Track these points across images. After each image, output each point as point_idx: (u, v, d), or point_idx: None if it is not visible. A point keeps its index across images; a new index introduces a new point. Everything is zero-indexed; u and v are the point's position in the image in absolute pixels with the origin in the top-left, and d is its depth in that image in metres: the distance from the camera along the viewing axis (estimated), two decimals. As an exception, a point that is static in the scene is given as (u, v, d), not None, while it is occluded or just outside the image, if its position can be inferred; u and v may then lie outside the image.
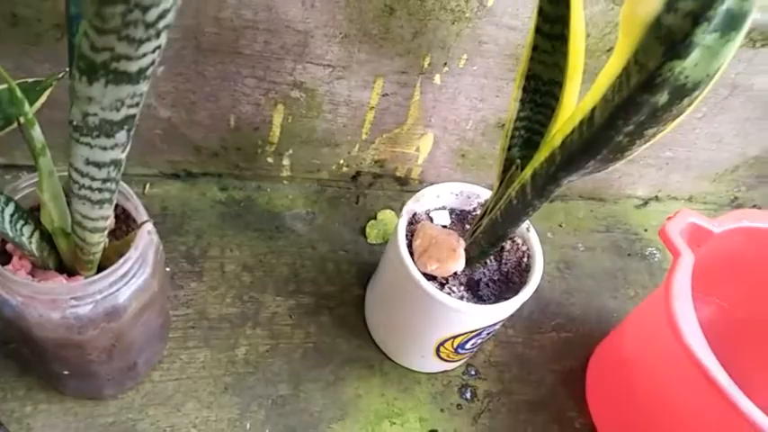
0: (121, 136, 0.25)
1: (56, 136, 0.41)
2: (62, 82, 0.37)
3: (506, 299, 0.42)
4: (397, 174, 0.60)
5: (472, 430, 0.48)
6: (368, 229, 0.57)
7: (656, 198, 0.68)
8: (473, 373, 0.51)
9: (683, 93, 0.24)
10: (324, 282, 0.53)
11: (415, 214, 0.46)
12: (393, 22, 0.45)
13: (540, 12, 0.34)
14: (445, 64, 0.49)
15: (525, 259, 0.45)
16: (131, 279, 0.35)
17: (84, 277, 0.36)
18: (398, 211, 0.59)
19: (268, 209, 0.57)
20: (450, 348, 0.46)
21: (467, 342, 0.45)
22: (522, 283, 0.44)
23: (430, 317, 0.43)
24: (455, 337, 0.44)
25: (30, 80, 0.38)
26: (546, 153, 0.34)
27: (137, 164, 0.53)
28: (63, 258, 0.36)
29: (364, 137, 0.55)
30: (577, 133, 0.31)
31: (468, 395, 0.50)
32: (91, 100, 0.22)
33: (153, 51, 0.20)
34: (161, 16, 0.18)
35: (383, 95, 0.51)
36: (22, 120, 0.29)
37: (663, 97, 0.25)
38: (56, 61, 0.44)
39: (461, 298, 0.43)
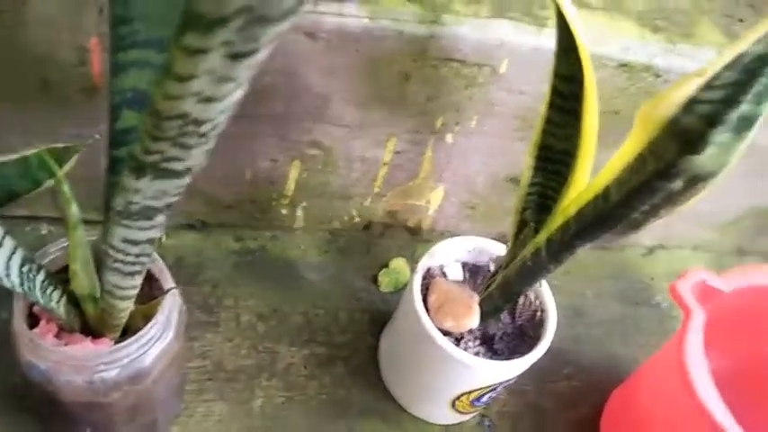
0: (160, 219, 0.26)
1: (78, 191, 0.42)
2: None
3: (521, 352, 0.43)
4: (408, 224, 0.61)
5: (485, 485, 0.49)
6: (380, 278, 0.58)
7: (662, 246, 0.69)
8: (488, 423, 0.52)
9: (697, 180, 0.26)
10: (337, 331, 0.54)
11: (429, 269, 0.47)
12: (408, 88, 0.47)
13: (554, 88, 0.35)
14: (457, 124, 0.50)
15: (539, 313, 0.46)
16: (156, 342, 0.36)
17: (110, 339, 0.36)
18: (409, 259, 0.60)
19: (281, 259, 0.58)
20: (467, 402, 0.47)
21: (483, 396, 0.46)
22: (537, 336, 0.45)
23: (447, 372, 0.44)
24: (472, 392, 0.45)
25: (60, 146, 0.39)
26: (560, 221, 0.35)
27: (154, 216, 0.54)
28: (89, 321, 0.37)
29: (376, 190, 0.56)
30: (592, 207, 0.32)
31: (482, 448, 0.51)
32: (136, 191, 0.23)
33: (201, 154, 0.21)
34: (213, 128, 0.20)
35: (396, 153, 0.52)
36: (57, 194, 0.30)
37: (678, 184, 0.26)
38: (81, 123, 0.45)
39: (477, 353, 0.44)
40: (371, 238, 0.61)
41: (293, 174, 0.53)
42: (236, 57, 0.16)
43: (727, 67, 0.23)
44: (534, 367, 0.56)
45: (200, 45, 0.15)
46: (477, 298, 0.45)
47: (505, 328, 0.46)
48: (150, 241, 0.28)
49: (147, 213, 0.25)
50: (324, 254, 0.59)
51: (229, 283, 0.55)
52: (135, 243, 0.28)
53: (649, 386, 0.50)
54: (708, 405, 0.39)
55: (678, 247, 0.70)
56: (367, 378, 0.52)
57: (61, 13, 0.38)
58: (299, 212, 0.57)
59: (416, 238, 0.62)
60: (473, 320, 0.44)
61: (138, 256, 0.29)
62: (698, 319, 0.43)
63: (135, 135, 0.25)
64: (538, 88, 0.48)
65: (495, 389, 0.45)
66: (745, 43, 0.23)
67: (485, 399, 0.47)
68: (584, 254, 0.66)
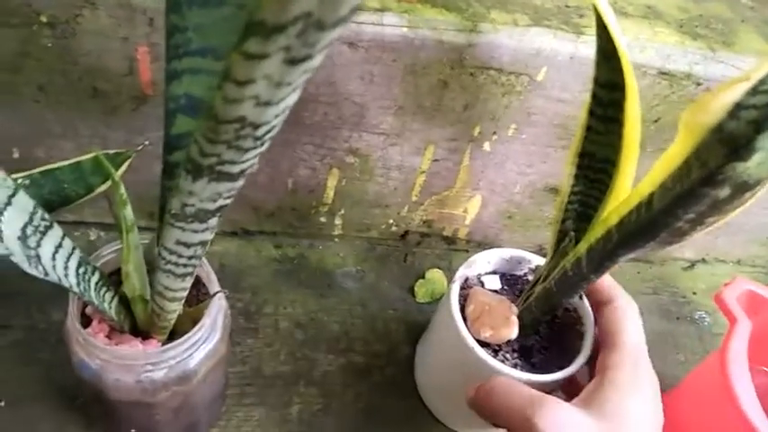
0: (213, 221, 0.27)
1: (130, 196, 0.44)
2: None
3: (559, 366, 0.43)
4: (445, 233, 0.61)
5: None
6: (416, 288, 0.59)
7: (704, 260, 0.68)
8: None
9: (744, 188, 0.25)
10: (374, 340, 0.55)
11: (467, 279, 0.47)
12: (446, 95, 0.47)
13: (594, 96, 0.35)
14: (494, 132, 0.51)
15: (577, 326, 0.46)
16: (203, 344, 0.37)
17: (158, 341, 0.38)
18: (446, 270, 0.60)
19: (320, 267, 0.59)
20: None
21: None
22: (576, 350, 0.44)
23: None
24: None
25: (111, 152, 0.41)
26: (602, 230, 0.35)
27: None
28: (138, 322, 0.38)
29: (414, 198, 0.57)
30: (635, 215, 0.32)
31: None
32: (191, 194, 0.24)
33: (255, 156, 0.22)
34: (268, 131, 0.20)
35: (434, 161, 0.53)
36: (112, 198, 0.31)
37: (724, 191, 0.26)
38: (129, 130, 0.47)
39: (515, 366, 0.43)
40: (408, 247, 0.62)
41: (332, 182, 0.54)
42: (294, 62, 0.17)
43: (774, 72, 0.23)
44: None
45: (260, 50, 0.16)
46: (515, 309, 0.45)
47: (543, 341, 0.46)
48: (202, 244, 0.29)
49: (201, 216, 0.26)
50: (361, 262, 0.60)
51: (269, 290, 0.56)
52: (188, 245, 0.29)
53: (690, 401, 0.48)
54: (750, 415, 0.38)
55: (721, 262, 0.68)
56: (402, 388, 0.52)
57: (112, 24, 0.40)
58: (338, 221, 0.58)
59: (453, 247, 0.62)
60: (512, 331, 0.43)
61: (190, 258, 0.30)
62: (744, 329, 0.42)
63: (189, 140, 0.26)
64: (576, 96, 0.48)
65: None
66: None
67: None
68: (624, 267, 0.66)
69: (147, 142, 0.44)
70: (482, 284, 0.48)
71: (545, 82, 0.47)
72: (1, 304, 0.49)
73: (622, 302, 0.41)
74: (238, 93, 0.18)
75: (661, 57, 0.47)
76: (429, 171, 0.54)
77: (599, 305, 0.42)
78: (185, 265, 0.30)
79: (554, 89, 0.47)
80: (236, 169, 0.23)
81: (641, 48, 0.47)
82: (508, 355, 0.44)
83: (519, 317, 0.44)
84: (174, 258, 0.30)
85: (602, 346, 0.40)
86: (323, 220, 0.58)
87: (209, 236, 0.28)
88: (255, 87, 0.18)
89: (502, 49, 0.45)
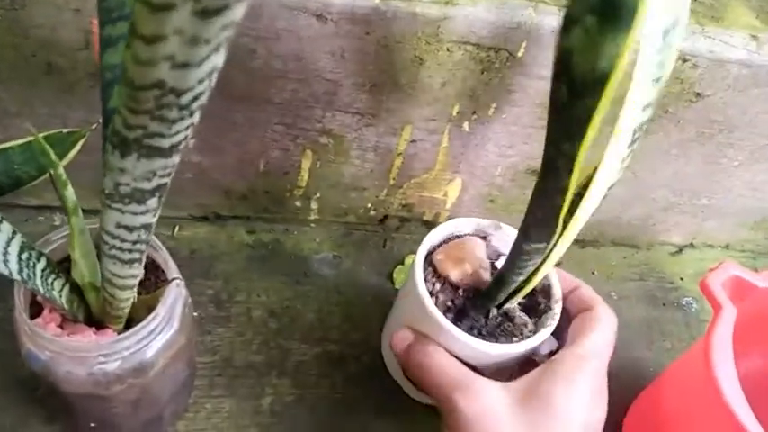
0: (153, 202, 0.25)
1: (87, 178, 0.42)
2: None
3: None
4: (425, 218, 0.59)
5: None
6: (395, 275, 0.57)
7: (692, 245, 0.66)
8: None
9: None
10: (350, 329, 0.53)
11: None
12: (422, 72, 0.45)
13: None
14: (474, 112, 0.49)
15: (543, 306, 0.44)
16: (159, 334, 0.35)
17: (113, 330, 0.36)
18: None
19: (295, 252, 0.57)
20: None
21: None
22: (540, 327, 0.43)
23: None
24: None
25: (64, 131, 0.39)
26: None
27: (167, 207, 0.53)
28: (92, 311, 0.36)
29: (392, 182, 0.55)
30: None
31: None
32: (123, 171, 0.22)
33: (185, 129, 0.20)
34: (195, 98, 0.18)
35: (411, 142, 0.51)
36: (54, 178, 0.29)
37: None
38: (89, 108, 0.45)
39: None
40: (387, 232, 0.60)
41: (306, 164, 0.52)
42: (206, 13, 0.14)
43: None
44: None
45: (163, 0, 0.14)
46: (484, 250, 0.43)
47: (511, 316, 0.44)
48: (146, 227, 0.27)
49: (138, 197, 0.24)
50: (338, 248, 0.58)
51: (242, 278, 0.54)
52: (130, 229, 0.27)
53: (674, 388, 0.47)
54: (732, 404, 0.36)
55: (709, 246, 0.67)
56: (380, 377, 0.50)
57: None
58: (314, 204, 0.56)
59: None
60: (479, 271, 0.42)
61: (134, 243, 0.28)
62: (728, 315, 0.40)
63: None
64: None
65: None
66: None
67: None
68: (610, 253, 0.64)
69: (101, 120, 0.42)
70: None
71: (526, 58, 0.45)
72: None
73: (600, 312, 0.40)
74: (149, 52, 0.16)
75: (647, 32, 0.45)
76: (406, 153, 0.52)
77: (578, 312, 0.41)
78: (131, 251, 0.28)
79: (535, 66, 0.45)
80: (166, 143, 0.20)
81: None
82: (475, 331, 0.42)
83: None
84: (117, 243, 0.28)
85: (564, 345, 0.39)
86: (298, 204, 0.56)
87: (151, 218, 0.26)
88: (167, 45, 0.15)
89: (480, 23, 0.42)
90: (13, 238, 0.30)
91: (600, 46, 0.21)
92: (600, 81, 0.22)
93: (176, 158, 0.22)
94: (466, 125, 0.50)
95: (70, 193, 0.29)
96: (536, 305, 0.44)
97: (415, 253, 0.58)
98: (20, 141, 0.37)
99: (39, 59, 0.41)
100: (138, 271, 0.31)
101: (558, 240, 0.34)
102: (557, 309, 0.42)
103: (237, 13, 0.15)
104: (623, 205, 0.60)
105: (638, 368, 0.56)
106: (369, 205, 0.57)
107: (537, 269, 0.38)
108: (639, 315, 0.60)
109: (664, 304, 0.61)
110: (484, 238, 0.46)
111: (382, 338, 0.52)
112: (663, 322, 0.60)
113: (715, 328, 0.41)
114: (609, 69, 0.22)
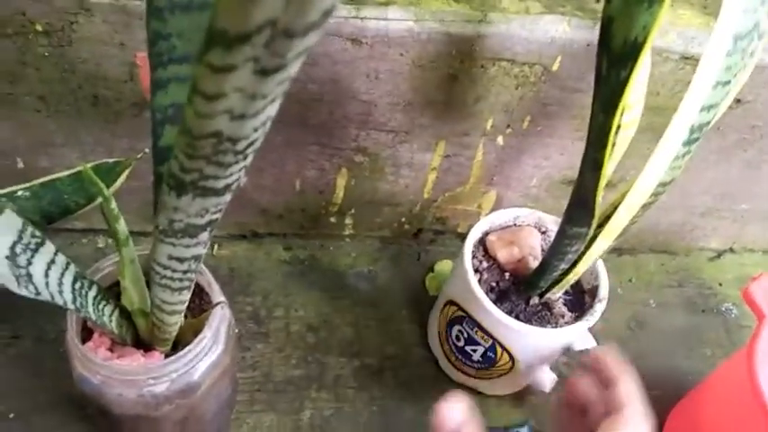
0: (204, 236, 0.26)
1: (133, 203, 0.43)
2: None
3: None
4: (459, 230, 0.59)
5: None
6: (427, 282, 0.57)
7: (731, 250, 0.65)
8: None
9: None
10: (387, 342, 0.53)
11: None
12: (456, 89, 0.45)
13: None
14: (508, 126, 0.49)
15: (588, 297, 0.45)
16: (205, 356, 0.35)
17: (161, 352, 0.37)
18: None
19: (331, 268, 0.57)
20: None
21: None
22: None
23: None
24: None
25: (110, 161, 0.40)
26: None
27: (205, 226, 0.55)
28: (140, 334, 0.37)
29: (426, 196, 0.55)
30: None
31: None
32: (177, 209, 0.23)
33: (239, 171, 0.21)
34: (249, 144, 0.19)
35: (445, 157, 0.51)
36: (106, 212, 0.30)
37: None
38: (134, 136, 0.46)
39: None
40: (422, 245, 0.60)
41: (341, 181, 0.52)
42: (265, 72, 0.15)
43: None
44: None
45: (225, 62, 0.14)
46: (538, 237, 0.45)
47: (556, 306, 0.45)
48: (196, 258, 0.28)
49: (191, 231, 0.25)
50: (373, 262, 0.58)
51: (280, 293, 0.55)
52: (180, 260, 0.28)
53: (715, 398, 0.46)
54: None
55: (749, 251, 0.65)
56: (416, 391, 0.51)
57: (108, 30, 0.39)
58: (348, 220, 0.57)
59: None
60: (527, 258, 0.43)
61: (185, 272, 0.29)
62: (774, 328, 0.40)
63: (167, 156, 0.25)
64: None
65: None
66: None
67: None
68: (648, 260, 0.63)
69: (147, 150, 0.43)
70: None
71: (560, 72, 0.45)
72: (8, 316, 0.49)
73: (628, 415, 0.35)
74: (209, 107, 0.16)
75: (684, 40, 0.44)
76: (441, 168, 0.52)
77: (609, 411, 0.37)
78: (181, 279, 0.29)
79: (570, 79, 0.45)
80: (220, 184, 0.21)
81: (662, 32, 0.44)
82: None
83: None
84: (168, 273, 0.28)
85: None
86: (333, 220, 0.56)
87: (201, 250, 0.27)
88: (227, 101, 0.16)
89: (514, 39, 0.43)
90: (66, 269, 0.31)
91: (635, 15, 0.22)
92: (633, 51, 0.23)
93: (228, 197, 0.23)
94: (500, 139, 0.50)
95: (122, 225, 0.30)
96: (581, 303, 0.45)
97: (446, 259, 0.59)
98: (68, 172, 0.38)
99: (85, 92, 0.43)
100: (187, 297, 0.32)
101: (597, 227, 0.35)
102: (598, 308, 0.43)
103: (294, 69, 0.16)
104: (662, 212, 0.59)
105: (676, 377, 0.55)
106: (403, 219, 0.57)
107: (579, 258, 0.38)
108: (678, 322, 0.59)
109: (703, 311, 0.60)
110: (543, 232, 0.47)
111: (429, 327, 0.53)
112: (702, 329, 0.59)
113: (759, 337, 0.41)
114: (642, 40, 0.22)
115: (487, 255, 0.46)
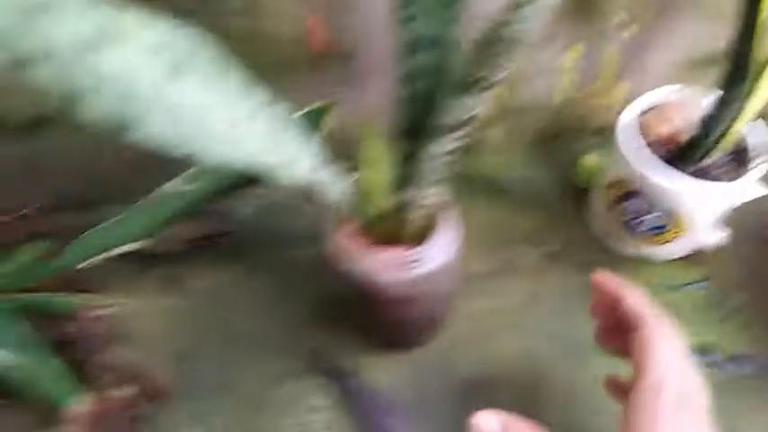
0: (469, 127, 0.35)
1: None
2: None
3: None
4: (597, 125, 0.66)
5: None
6: (579, 173, 0.63)
7: None
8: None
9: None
10: (554, 229, 0.61)
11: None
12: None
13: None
14: (634, 20, 0.55)
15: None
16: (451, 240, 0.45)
17: (409, 246, 0.46)
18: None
19: (484, 174, 0.65)
20: None
21: None
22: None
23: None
24: None
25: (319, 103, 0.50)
26: None
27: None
28: (392, 232, 0.46)
29: (563, 97, 0.62)
30: None
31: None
32: (462, 108, 0.32)
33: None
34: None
35: (579, 57, 0.58)
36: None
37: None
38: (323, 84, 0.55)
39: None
40: (565, 144, 0.67)
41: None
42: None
43: None
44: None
45: None
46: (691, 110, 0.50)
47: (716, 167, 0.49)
48: (456, 151, 0.37)
49: (459, 126, 0.34)
50: (522, 166, 0.66)
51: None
52: (443, 155, 0.37)
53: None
54: None
55: None
56: (586, 265, 0.56)
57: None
58: (494, 130, 0.64)
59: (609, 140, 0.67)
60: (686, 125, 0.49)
61: (444, 165, 0.38)
62: None
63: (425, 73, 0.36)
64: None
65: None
66: None
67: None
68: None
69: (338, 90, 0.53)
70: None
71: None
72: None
73: (648, 332, 0.36)
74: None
75: None
76: (575, 68, 0.59)
77: (629, 330, 0.38)
78: (443, 171, 0.39)
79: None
80: (488, 83, 0.30)
81: None
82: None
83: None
84: (432, 166, 0.38)
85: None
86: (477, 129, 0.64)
87: (460, 143, 0.36)
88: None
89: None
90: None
91: None
92: None
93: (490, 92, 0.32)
94: (629, 31, 0.56)
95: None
96: (744, 160, 0.49)
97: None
98: (300, 112, 0.49)
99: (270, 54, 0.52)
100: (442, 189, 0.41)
101: (754, 85, 0.41)
102: (761, 161, 0.48)
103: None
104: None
105: None
106: (543, 124, 0.65)
107: (735, 117, 0.44)
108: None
109: None
110: (691, 105, 0.51)
111: (590, 215, 0.59)
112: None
113: None
114: None
115: (643, 133, 0.51)
